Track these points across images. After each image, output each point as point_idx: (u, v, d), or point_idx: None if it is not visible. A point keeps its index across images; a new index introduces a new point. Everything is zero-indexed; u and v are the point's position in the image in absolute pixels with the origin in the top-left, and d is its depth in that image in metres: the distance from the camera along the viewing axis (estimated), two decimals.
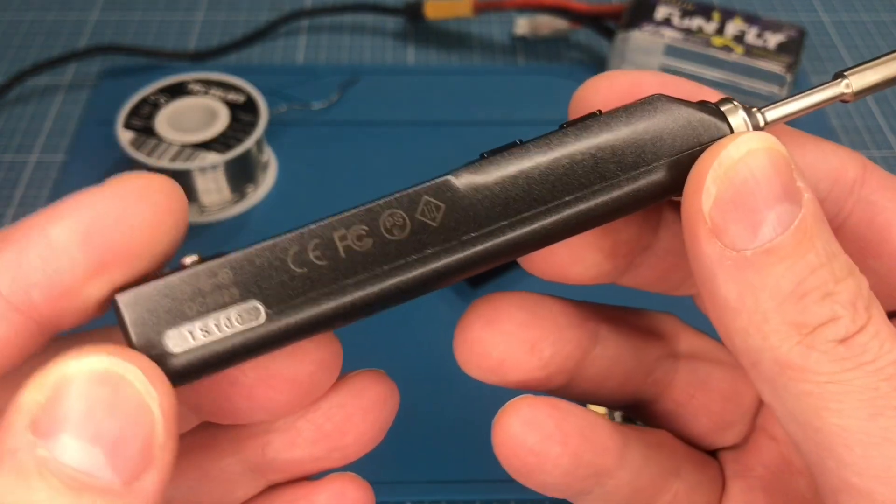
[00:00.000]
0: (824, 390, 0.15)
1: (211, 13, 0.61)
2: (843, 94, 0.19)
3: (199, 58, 0.56)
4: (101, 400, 0.15)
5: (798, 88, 0.55)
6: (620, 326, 0.22)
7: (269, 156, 0.49)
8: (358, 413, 0.20)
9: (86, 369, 0.15)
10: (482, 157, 0.18)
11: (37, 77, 0.54)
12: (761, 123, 0.18)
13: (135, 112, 0.46)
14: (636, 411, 0.23)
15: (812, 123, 0.53)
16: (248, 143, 0.45)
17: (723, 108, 0.18)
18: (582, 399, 0.22)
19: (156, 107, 0.46)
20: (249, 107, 0.47)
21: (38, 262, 0.16)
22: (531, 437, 0.19)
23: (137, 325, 0.16)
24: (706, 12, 0.51)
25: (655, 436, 0.22)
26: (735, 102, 0.18)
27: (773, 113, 0.18)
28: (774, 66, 0.48)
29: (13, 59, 0.56)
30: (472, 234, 0.17)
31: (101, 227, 0.16)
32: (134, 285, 0.16)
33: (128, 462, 0.15)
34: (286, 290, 0.16)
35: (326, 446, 0.19)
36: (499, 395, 0.33)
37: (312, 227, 0.17)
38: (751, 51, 0.49)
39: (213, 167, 0.45)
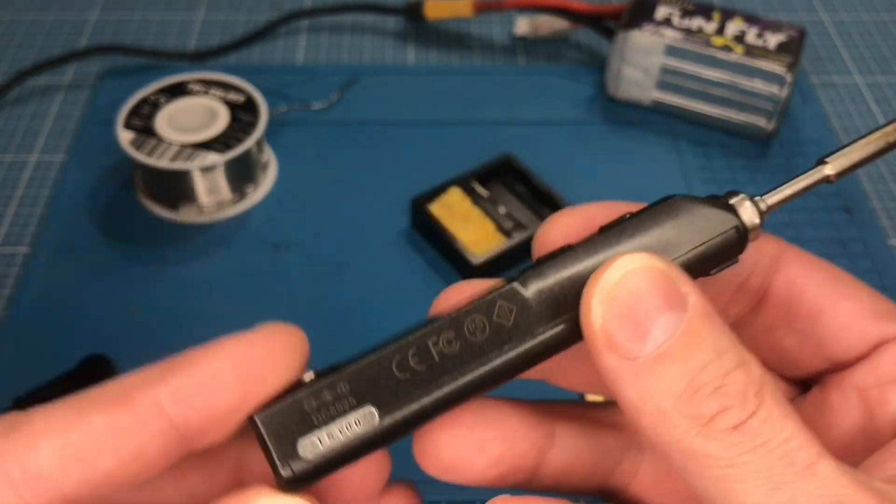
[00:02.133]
0: (727, 473, 0.17)
1: (211, 13, 0.61)
2: (827, 177, 0.22)
3: (199, 58, 0.56)
4: None
5: (798, 88, 0.55)
6: (579, 423, 0.23)
7: (268, 156, 0.49)
8: None
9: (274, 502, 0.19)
10: (538, 263, 0.21)
11: (37, 77, 0.54)
12: (763, 208, 0.21)
13: (135, 112, 0.46)
14: (609, 497, 0.24)
15: (813, 123, 0.53)
16: (248, 143, 0.45)
17: (731, 201, 0.21)
18: (550, 491, 0.23)
19: (156, 107, 0.46)
20: (249, 107, 0.47)
21: (199, 389, 0.19)
22: None
23: (275, 439, 0.19)
24: (706, 12, 0.51)
25: None
26: (742, 195, 0.21)
27: (772, 199, 0.22)
28: (774, 66, 0.48)
29: (13, 59, 0.56)
30: (541, 329, 0.20)
31: (253, 364, 0.20)
32: (267, 405, 0.19)
33: None
34: (394, 393, 0.19)
35: None
36: (498, 393, 0.33)
37: (410, 337, 0.20)
38: (751, 51, 0.49)
39: (213, 167, 0.45)
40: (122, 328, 0.41)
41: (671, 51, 0.50)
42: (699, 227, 0.20)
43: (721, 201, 0.21)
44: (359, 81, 0.54)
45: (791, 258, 0.23)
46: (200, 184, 0.45)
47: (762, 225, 0.21)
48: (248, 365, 0.20)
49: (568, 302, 0.20)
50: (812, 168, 0.22)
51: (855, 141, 0.23)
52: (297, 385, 0.20)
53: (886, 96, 0.55)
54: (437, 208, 0.45)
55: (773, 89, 0.48)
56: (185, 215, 0.46)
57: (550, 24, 0.58)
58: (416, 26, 0.59)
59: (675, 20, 0.50)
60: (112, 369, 0.39)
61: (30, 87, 0.54)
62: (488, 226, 0.44)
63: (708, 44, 0.49)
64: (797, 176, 0.22)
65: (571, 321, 0.20)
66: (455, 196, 0.45)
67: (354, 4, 0.59)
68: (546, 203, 0.46)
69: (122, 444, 0.18)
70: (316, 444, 0.19)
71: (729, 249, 0.21)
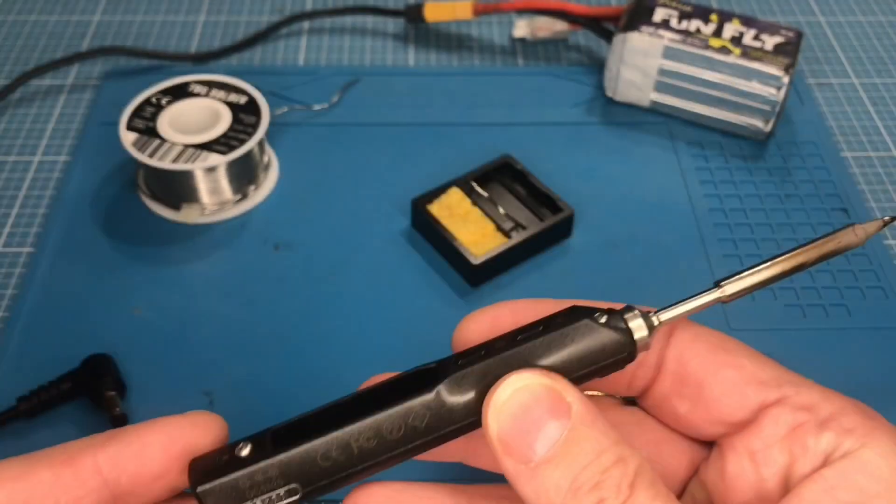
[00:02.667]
0: None
1: (212, 15, 0.61)
2: (720, 298, 0.25)
3: (201, 59, 0.56)
4: None
5: (795, 89, 0.55)
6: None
7: (270, 157, 0.49)
8: None
9: None
10: (456, 364, 0.24)
11: (40, 78, 0.55)
12: (656, 323, 0.24)
13: (137, 113, 0.46)
14: None
15: (811, 124, 0.53)
16: (250, 144, 0.45)
17: (626, 317, 0.23)
18: None
19: (158, 108, 0.46)
20: (251, 108, 0.47)
21: (131, 457, 0.23)
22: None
23: None
24: (704, 14, 0.52)
25: None
26: (635, 311, 0.23)
27: (665, 315, 0.24)
28: (772, 68, 0.49)
29: (16, 61, 0.57)
30: (450, 426, 0.23)
31: (177, 442, 0.23)
32: (209, 476, 0.23)
33: None
34: (316, 475, 0.23)
35: None
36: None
37: (336, 433, 0.23)
38: (748, 52, 0.49)
39: (215, 168, 0.45)
40: (124, 328, 0.41)
41: (669, 53, 0.50)
42: (595, 352, 0.23)
43: (617, 318, 0.23)
44: (359, 83, 0.55)
45: (681, 332, 0.26)
46: (203, 184, 0.45)
47: (651, 338, 0.24)
48: (173, 442, 0.23)
49: (474, 405, 0.23)
50: (708, 289, 0.25)
51: (751, 267, 0.25)
52: (232, 457, 0.23)
53: (883, 97, 0.56)
54: (437, 208, 0.45)
55: (771, 91, 0.49)
56: (188, 216, 0.46)
57: (549, 26, 0.58)
58: (417, 28, 0.60)
59: (673, 22, 0.51)
60: (115, 369, 0.39)
61: (33, 88, 0.54)
62: (488, 226, 0.44)
63: (706, 46, 0.50)
64: (693, 296, 0.24)
65: (477, 420, 0.23)
66: (455, 196, 0.46)
67: (355, 6, 0.59)
68: (545, 203, 0.46)
69: (62, 495, 0.22)
70: None
71: (619, 364, 0.24)
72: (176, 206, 0.46)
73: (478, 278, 0.43)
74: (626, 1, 0.61)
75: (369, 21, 0.60)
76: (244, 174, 0.47)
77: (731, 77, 0.49)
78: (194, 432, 0.24)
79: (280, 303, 0.43)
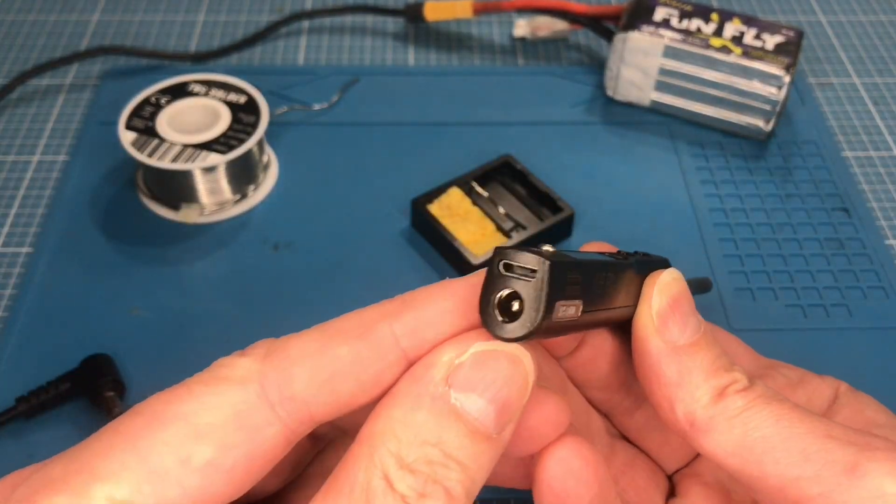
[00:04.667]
0: (742, 419, 0.23)
1: (212, 14, 0.61)
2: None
3: (201, 59, 0.56)
4: (503, 373, 0.20)
5: (796, 89, 0.55)
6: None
7: (269, 156, 0.49)
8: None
9: (498, 348, 0.21)
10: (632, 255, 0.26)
11: (39, 78, 0.54)
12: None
13: (136, 113, 0.46)
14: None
15: (812, 124, 0.53)
16: (250, 143, 0.45)
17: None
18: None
19: (157, 107, 0.46)
20: (250, 107, 0.47)
21: (430, 324, 0.21)
22: (575, 463, 0.23)
23: (550, 290, 0.20)
24: (705, 14, 0.51)
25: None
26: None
27: None
28: (773, 68, 0.48)
29: (15, 60, 0.57)
30: (633, 301, 0.25)
31: (472, 303, 0.22)
32: (548, 254, 0.20)
33: (505, 419, 0.20)
34: (591, 297, 0.22)
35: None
36: None
37: (600, 261, 0.23)
38: (749, 52, 0.49)
39: (215, 168, 0.45)
40: (123, 328, 0.41)
41: (670, 52, 0.50)
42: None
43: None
44: (359, 82, 0.54)
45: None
46: (202, 184, 0.45)
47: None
48: (468, 304, 0.21)
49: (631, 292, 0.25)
50: None
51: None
52: (540, 250, 0.21)
53: (884, 97, 0.55)
54: (437, 208, 0.45)
55: (771, 90, 0.49)
56: (187, 215, 0.46)
57: (549, 25, 0.58)
58: (417, 27, 0.59)
59: (674, 21, 0.51)
60: (114, 369, 0.39)
61: (32, 87, 0.54)
62: (488, 226, 0.44)
63: (706, 45, 0.49)
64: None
65: (630, 305, 0.25)
66: (455, 196, 0.45)
67: (355, 6, 0.59)
68: (545, 203, 0.46)
69: (362, 372, 0.21)
70: (562, 311, 0.21)
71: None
72: (175, 206, 0.46)
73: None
74: (627, 0, 0.61)
75: (369, 20, 0.60)
76: (244, 174, 0.46)
77: (732, 76, 0.49)
78: (477, 291, 0.22)
79: (280, 303, 0.43)
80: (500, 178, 0.47)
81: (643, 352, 0.24)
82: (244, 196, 0.47)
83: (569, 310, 0.21)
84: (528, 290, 0.20)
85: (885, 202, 0.49)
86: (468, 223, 0.44)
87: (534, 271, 0.20)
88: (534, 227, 0.44)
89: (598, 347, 0.27)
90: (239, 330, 0.41)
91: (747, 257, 0.45)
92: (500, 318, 0.20)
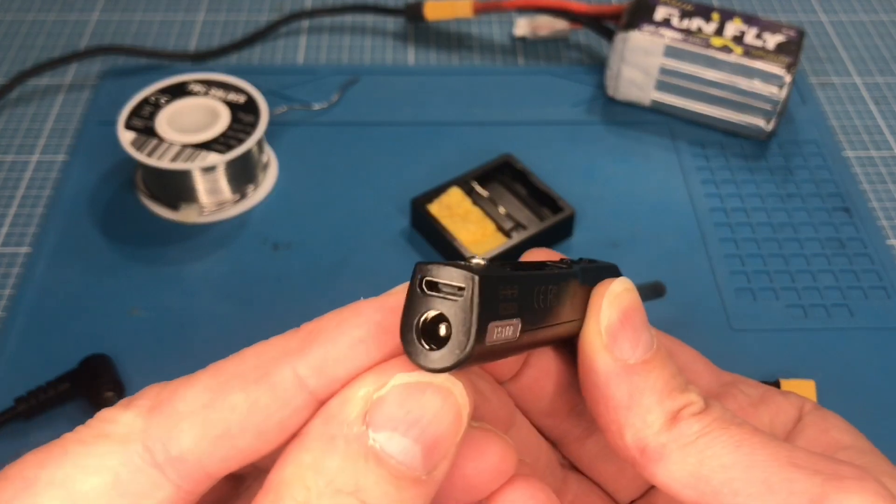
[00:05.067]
0: (698, 445, 0.21)
1: (211, 14, 0.61)
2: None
3: (200, 58, 0.56)
4: (430, 408, 0.18)
5: (797, 88, 0.55)
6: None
7: (269, 156, 0.49)
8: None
9: (424, 380, 0.18)
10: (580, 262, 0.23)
11: (38, 77, 0.54)
12: None
13: (136, 112, 0.46)
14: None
15: (812, 124, 0.53)
16: (249, 143, 0.45)
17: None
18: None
19: (156, 107, 0.46)
20: (250, 107, 0.47)
21: (341, 360, 0.19)
22: None
23: (482, 310, 0.17)
24: (705, 13, 0.51)
25: None
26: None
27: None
28: (773, 67, 0.48)
29: (14, 60, 0.56)
30: (568, 318, 0.22)
31: (389, 329, 0.19)
32: (477, 269, 0.18)
33: (435, 459, 0.18)
34: (530, 316, 0.19)
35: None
36: None
37: (541, 275, 0.21)
38: (750, 51, 0.49)
39: (214, 167, 0.45)
40: (122, 328, 0.41)
41: (670, 51, 0.50)
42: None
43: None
44: (359, 82, 0.54)
45: None
46: (201, 184, 0.45)
47: None
48: (384, 330, 0.19)
49: (577, 305, 0.22)
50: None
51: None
52: (467, 263, 0.18)
53: (885, 96, 0.55)
54: (437, 208, 0.45)
55: (772, 90, 0.49)
56: (186, 215, 0.46)
57: (550, 24, 0.58)
58: (417, 27, 0.59)
59: (675, 21, 0.51)
60: (112, 369, 0.39)
61: (31, 87, 0.54)
62: (488, 226, 0.44)
63: (707, 44, 0.49)
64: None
65: (577, 320, 0.22)
66: (455, 196, 0.45)
67: (355, 5, 0.59)
68: (545, 203, 0.46)
69: (263, 422, 0.18)
70: (494, 334, 0.18)
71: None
72: (174, 206, 0.46)
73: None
74: None
75: (369, 20, 0.60)
76: (243, 174, 0.46)
77: (733, 76, 0.49)
78: (394, 315, 0.20)
79: (279, 303, 0.43)
80: (500, 177, 0.47)
81: (590, 371, 0.22)
82: (244, 196, 0.47)
83: (505, 331, 0.18)
84: (456, 311, 0.17)
85: (886, 202, 0.48)
86: (468, 223, 0.44)
87: (461, 289, 0.17)
88: (534, 226, 0.44)
89: (543, 369, 0.24)
90: (238, 330, 0.41)
91: (748, 257, 0.45)
92: (424, 346, 0.17)
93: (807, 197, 0.48)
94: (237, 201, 0.47)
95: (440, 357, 0.17)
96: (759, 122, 0.50)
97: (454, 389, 0.18)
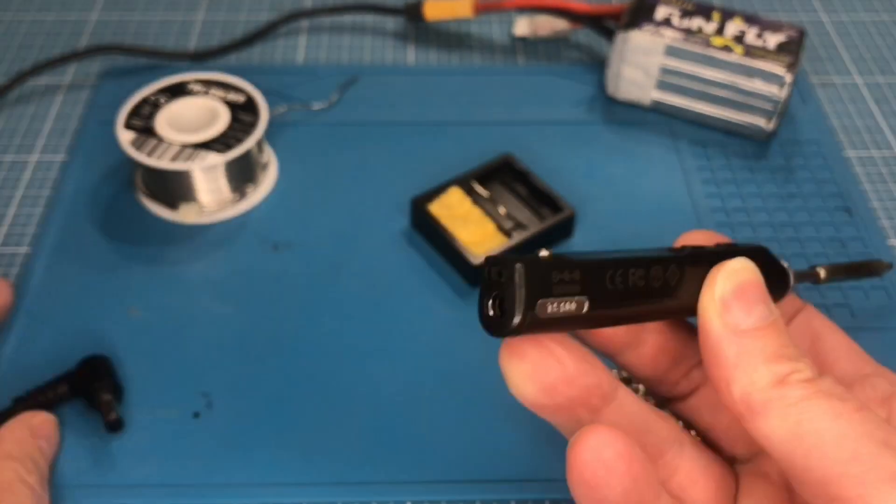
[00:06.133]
0: (798, 408, 0.23)
1: (211, 13, 0.61)
2: (817, 279, 0.33)
3: (200, 58, 0.56)
4: None
5: (797, 88, 0.55)
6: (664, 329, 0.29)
7: (269, 156, 0.49)
8: None
9: None
10: (694, 251, 0.26)
11: (37, 77, 0.54)
12: (795, 277, 0.29)
13: (135, 112, 0.46)
14: (668, 402, 0.30)
15: (813, 123, 0.53)
16: (249, 143, 0.45)
17: (783, 264, 0.29)
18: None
19: (156, 107, 0.46)
20: (250, 107, 0.47)
21: None
22: (607, 453, 0.24)
23: (527, 289, 0.22)
24: (706, 12, 0.51)
25: None
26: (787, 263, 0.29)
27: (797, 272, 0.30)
28: (774, 66, 0.48)
29: (13, 60, 0.56)
30: (681, 296, 0.25)
31: None
32: (524, 260, 0.22)
33: None
34: (602, 295, 0.23)
35: None
36: (498, 393, 0.33)
37: (622, 258, 0.24)
38: (750, 51, 0.49)
39: (214, 167, 0.45)
40: (122, 328, 0.41)
41: (671, 51, 0.50)
42: (771, 275, 0.27)
43: (778, 262, 0.29)
44: (359, 81, 0.54)
45: (809, 309, 0.31)
46: (201, 184, 0.45)
47: (792, 288, 0.29)
48: None
49: (696, 285, 0.25)
50: (809, 269, 0.33)
51: (841, 264, 0.36)
52: (536, 258, 0.23)
53: (886, 96, 0.55)
54: (437, 208, 0.45)
55: (773, 89, 0.48)
56: (186, 215, 0.46)
57: (550, 24, 0.58)
58: (416, 27, 0.59)
59: (675, 20, 0.50)
60: (111, 371, 0.39)
61: (30, 87, 0.54)
62: (488, 226, 0.44)
63: (708, 44, 0.49)
64: (801, 270, 0.31)
65: (693, 298, 0.25)
66: (455, 196, 0.45)
67: (355, 5, 0.59)
68: (546, 203, 0.46)
69: None
70: (548, 308, 0.22)
71: (778, 295, 0.28)
72: (174, 206, 0.46)
73: (478, 278, 0.43)
74: None
75: (369, 19, 0.60)
76: (243, 174, 0.46)
77: (734, 75, 0.49)
78: None
79: (279, 303, 0.42)
80: (500, 177, 0.47)
81: (706, 334, 0.25)
82: (243, 196, 0.47)
83: (564, 305, 0.22)
84: (507, 291, 0.22)
85: (886, 202, 0.48)
86: (468, 223, 0.44)
87: (510, 275, 0.22)
88: (534, 226, 0.44)
89: (658, 344, 0.28)
90: (238, 330, 0.41)
91: None
92: (493, 315, 0.22)
93: (808, 197, 0.48)
94: (237, 201, 0.47)
95: (501, 325, 0.22)
96: (760, 121, 0.50)
97: None
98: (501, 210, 0.45)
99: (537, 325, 0.22)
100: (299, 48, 0.58)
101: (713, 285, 0.25)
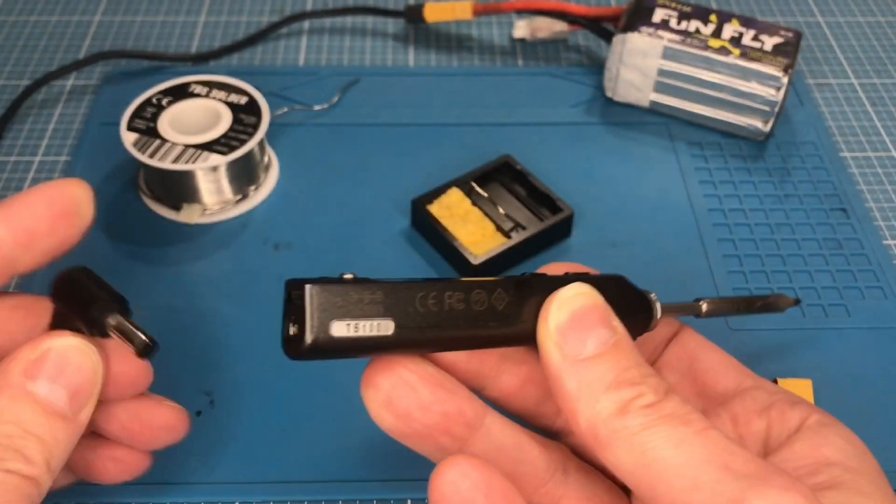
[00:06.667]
0: (642, 438, 0.22)
1: (212, 15, 0.61)
2: (699, 313, 0.31)
3: (201, 60, 0.56)
4: (72, 362, 0.26)
5: (794, 90, 0.55)
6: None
7: (270, 157, 0.49)
8: (162, 415, 0.32)
9: (66, 343, 0.26)
10: (533, 276, 0.26)
11: (41, 80, 0.55)
12: (661, 312, 0.28)
13: (138, 114, 0.46)
14: (552, 435, 0.29)
15: (810, 125, 0.53)
16: (251, 144, 0.45)
17: (650, 296, 0.28)
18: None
19: (159, 108, 0.47)
20: (251, 108, 0.47)
21: (18, 213, 0.27)
22: (464, 484, 0.24)
23: (317, 311, 0.23)
24: (703, 15, 0.52)
25: None
26: (653, 295, 0.29)
27: (665, 307, 0.29)
28: (771, 69, 0.49)
29: (17, 61, 0.57)
30: (516, 322, 0.25)
31: (58, 201, 0.27)
32: (318, 281, 0.23)
33: (78, 402, 0.25)
34: (410, 317, 0.23)
35: (136, 424, 0.31)
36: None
37: (435, 283, 0.24)
38: (747, 53, 0.49)
39: (216, 168, 0.45)
40: None
41: (669, 53, 0.50)
42: (629, 301, 0.27)
43: (642, 292, 0.28)
44: (359, 83, 0.55)
45: (687, 335, 0.31)
46: (203, 184, 0.46)
47: (659, 320, 0.28)
48: (54, 198, 0.27)
49: (535, 311, 0.25)
50: (692, 302, 0.31)
51: (732, 298, 0.34)
52: (339, 280, 0.24)
53: (882, 98, 0.56)
54: (437, 209, 0.45)
55: (770, 91, 0.49)
56: (188, 216, 0.46)
57: (549, 26, 0.58)
58: (417, 28, 0.60)
59: (673, 23, 0.51)
60: (100, 279, 0.37)
61: (33, 89, 0.54)
62: (488, 226, 0.44)
63: (705, 46, 0.50)
64: (679, 303, 0.30)
65: (533, 325, 0.25)
66: (455, 196, 0.46)
67: (355, 7, 0.59)
68: (544, 204, 0.46)
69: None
70: (344, 329, 0.23)
71: (640, 327, 0.28)
72: (176, 207, 0.46)
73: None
74: (626, 1, 0.61)
75: (369, 21, 0.60)
76: (245, 174, 0.47)
77: (731, 77, 0.49)
78: (71, 189, 0.27)
79: (280, 303, 0.43)
80: (499, 178, 0.48)
81: (545, 365, 0.24)
82: (245, 196, 0.47)
83: (364, 327, 0.23)
84: (300, 313, 0.23)
85: (883, 202, 0.49)
86: (468, 223, 0.44)
87: (301, 295, 0.23)
88: (533, 227, 0.45)
89: (522, 374, 0.27)
90: (239, 329, 0.42)
91: (746, 257, 0.45)
92: (290, 336, 0.23)
93: (804, 197, 0.49)
94: (239, 202, 0.47)
95: (295, 345, 0.23)
96: (757, 123, 0.50)
97: (88, 351, 0.26)
98: (501, 210, 0.46)
99: (335, 346, 0.22)
100: (300, 50, 0.58)
101: (547, 315, 0.24)
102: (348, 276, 0.24)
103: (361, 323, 0.23)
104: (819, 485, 0.25)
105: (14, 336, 0.28)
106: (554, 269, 0.28)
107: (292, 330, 0.23)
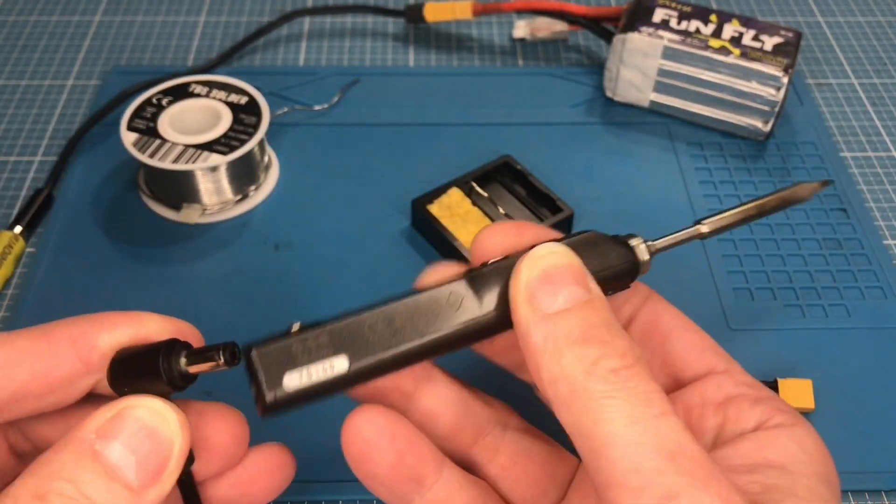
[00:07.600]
0: (599, 405, 0.22)
1: (213, 16, 0.61)
2: (701, 234, 0.29)
3: (201, 60, 0.56)
4: (146, 427, 0.23)
5: (794, 90, 0.55)
6: (456, 387, 0.28)
7: (270, 157, 0.49)
8: (263, 472, 0.29)
9: (146, 404, 0.23)
10: (483, 265, 0.26)
11: (41, 78, 0.55)
12: (653, 250, 0.28)
13: (138, 114, 0.46)
14: (468, 468, 0.29)
15: (810, 125, 0.53)
16: (251, 144, 0.45)
17: (630, 242, 0.28)
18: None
19: (159, 108, 0.47)
20: (251, 108, 0.47)
21: (104, 330, 0.26)
22: (368, 429, 0.25)
23: (265, 370, 0.23)
24: (703, 15, 0.52)
25: (477, 482, 0.28)
26: (638, 238, 0.28)
27: (659, 244, 0.29)
28: (771, 69, 0.49)
29: (17, 61, 0.57)
30: (479, 315, 0.25)
31: (138, 323, 0.27)
32: (261, 343, 0.24)
33: (146, 472, 0.23)
34: (363, 348, 0.24)
35: (239, 492, 0.29)
36: (497, 391, 0.33)
37: (383, 307, 0.25)
38: (748, 53, 0.49)
39: (216, 168, 0.45)
40: None
41: (669, 53, 0.50)
42: (608, 257, 0.26)
43: (623, 241, 0.27)
44: (359, 83, 0.55)
45: (655, 299, 0.30)
46: (203, 184, 0.46)
47: (650, 263, 0.27)
48: (133, 324, 0.26)
49: (501, 296, 0.25)
50: (691, 226, 0.29)
51: (732, 208, 0.29)
52: (286, 333, 0.24)
53: (882, 97, 0.56)
54: (437, 209, 0.45)
55: (770, 91, 0.49)
56: (188, 216, 0.46)
57: (549, 26, 0.58)
58: (417, 28, 0.60)
59: (673, 23, 0.51)
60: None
61: (33, 88, 0.54)
62: None
63: (705, 46, 0.50)
64: (678, 231, 0.29)
65: (503, 310, 0.25)
66: (455, 197, 0.46)
67: (355, 6, 0.59)
68: (544, 204, 0.46)
69: (36, 363, 0.25)
70: (297, 380, 0.23)
71: (624, 277, 0.27)
72: (176, 207, 0.46)
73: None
74: (626, 1, 0.61)
75: (369, 21, 0.60)
76: (245, 174, 0.47)
77: (731, 77, 0.49)
78: (151, 324, 0.27)
79: (280, 303, 0.43)
80: (499, 178, 0.48)
81: (515, 323, 0.24)
82: (245, 196, 0.47)
83: (318, 371, 0.23)
84: (255, 376, 0.23)
85: (883, 202, 0.49)
86: (468, 223, 0.44)
87: (249, 361, 0.24)
88: None
89: (439, 395, 0.28)
90: (239, 329, 0.42)
91: (746, 257, 0.45)
92: (257, 397, 0.23)
93: None
94: (239, 202, 0.47)
95: (260, 408, 0.23)
96: (757, 123, 0.50)
97: (166, 415, 0.23)
98: (501, 210, 0.46)
99: (296, 397, 0.23)
100: (300, 50, 0.58)
101: (519, 272, 0.24)
102: (295, 326, 0.24)
103: (313, 368, 0.23)
104: (751, 483, 0.24)
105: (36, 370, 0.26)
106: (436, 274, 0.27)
107: (254, 391, 0.24)
